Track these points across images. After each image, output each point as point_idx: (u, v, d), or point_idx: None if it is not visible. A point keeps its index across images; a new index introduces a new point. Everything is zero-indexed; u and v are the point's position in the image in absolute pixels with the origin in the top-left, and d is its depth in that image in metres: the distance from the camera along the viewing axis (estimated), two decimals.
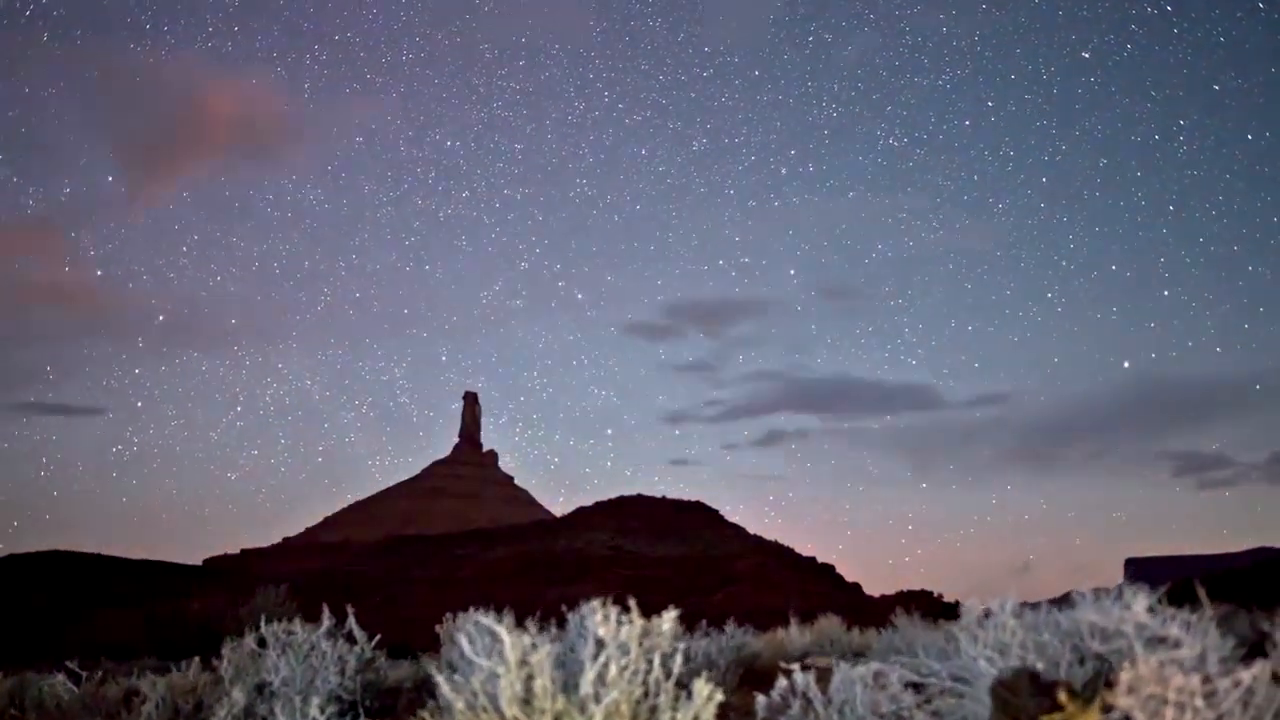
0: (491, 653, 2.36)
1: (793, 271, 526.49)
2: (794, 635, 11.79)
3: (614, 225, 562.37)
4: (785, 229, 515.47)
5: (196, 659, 6.26)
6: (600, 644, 2.43)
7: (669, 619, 2.62)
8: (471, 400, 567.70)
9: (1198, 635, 2.18)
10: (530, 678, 2.34)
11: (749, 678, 8.06)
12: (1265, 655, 2.22)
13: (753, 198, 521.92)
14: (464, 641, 2.38)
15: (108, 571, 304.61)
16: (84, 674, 7.14)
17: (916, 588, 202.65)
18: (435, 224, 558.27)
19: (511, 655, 2.32)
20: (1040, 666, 2.37)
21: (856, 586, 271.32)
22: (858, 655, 13.01)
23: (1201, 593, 2.51)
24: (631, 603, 2.72)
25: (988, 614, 2.88)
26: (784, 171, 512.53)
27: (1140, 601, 2.33)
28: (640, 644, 2.45)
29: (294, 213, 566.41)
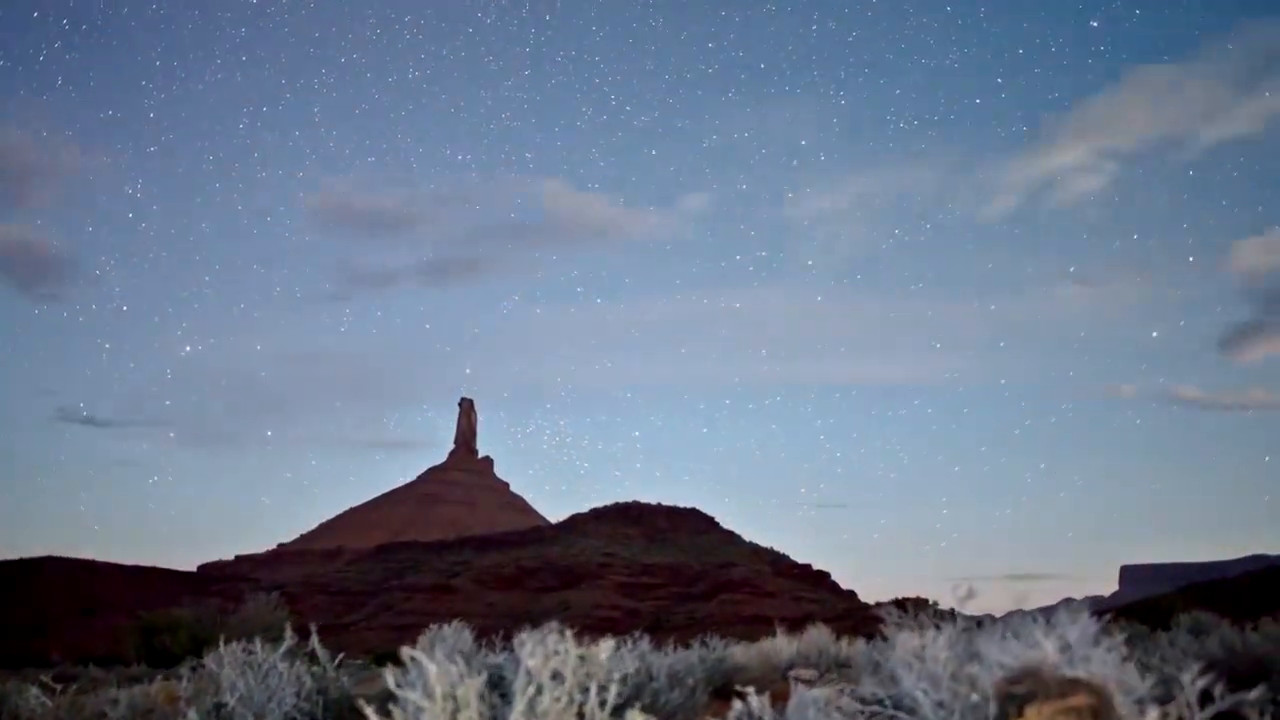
0: (418, 683, 2.33)
1: (810, 262, 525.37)
2: (780, 646, 11.75)
3: (630, 228, 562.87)
4: (802, 219, 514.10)
5: (159, 677, 6.24)
6: (530, 674, 2.38)
7: (605, 648, 2.58)
8: (468, 407, 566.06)
9: (1112, 673, 2.14)
10: (457, 710, 2.30)
11: (726, 694, 7.97)
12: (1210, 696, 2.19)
13: (766, 190, 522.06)
14: (388, 676, 2.34)
15: (102, 578, 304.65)
16: (59, 687, 7.09)
17: (913, 594, 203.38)
18: (453, 240, 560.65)
19: (437, 687, 2.28)
20: (975, 699, 2.34)
21: (852, 593, 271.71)
22: (842, 667, 13.00)
23: (1115, 635, 2.46)
24: (568, 632, 2.68)
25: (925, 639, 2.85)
26: (795, 163, 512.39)
27: (1054, 638, 2.29)
28: (575, 673, 2.41)
29: (312, 236, 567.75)
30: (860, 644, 14.93)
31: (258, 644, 4.95)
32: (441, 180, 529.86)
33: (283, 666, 4.81)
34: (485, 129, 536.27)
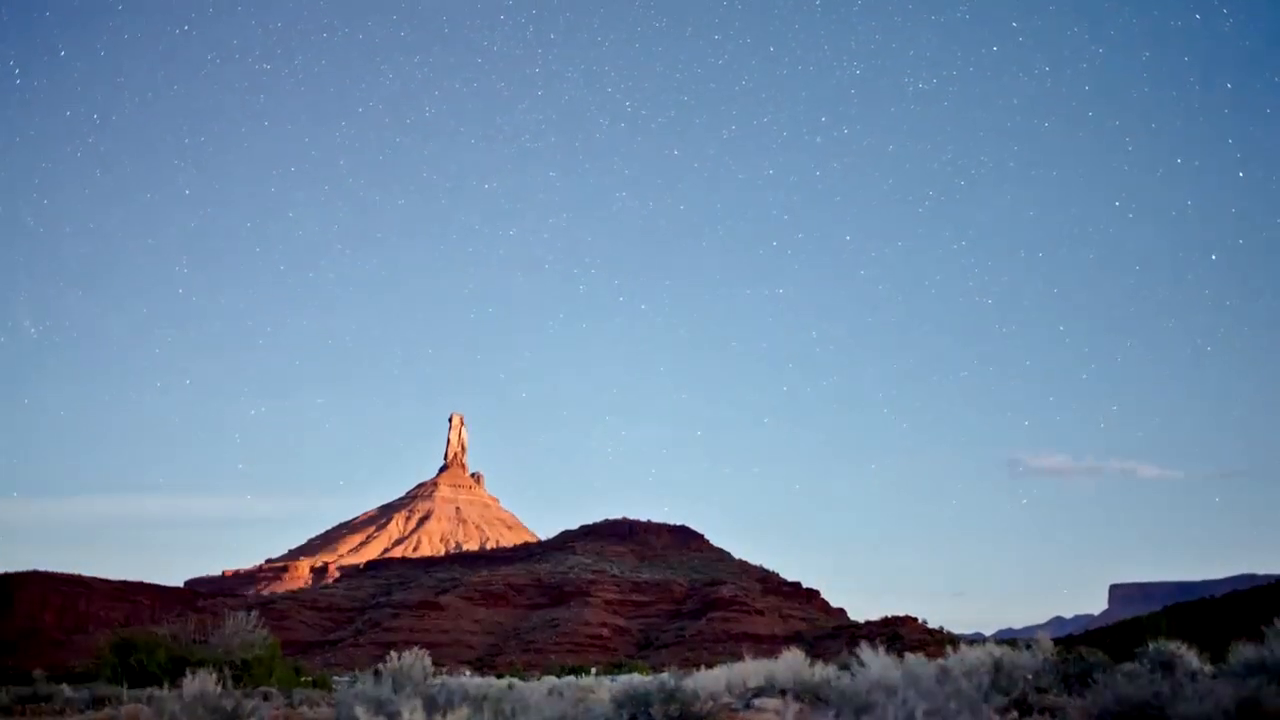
0: None
1: (848, 237, 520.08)
2: (749, 670, 11.68)
3: (661, 230, 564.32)
4: (832, 196, 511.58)
5: (80, 713, 6.19)
6: None
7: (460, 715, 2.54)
8: (458, 422, 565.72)
9: None
10: None
11: None
12: None
13: (793, 173, 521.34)
14: None
15: (90, 592, 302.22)
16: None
17: (902, 613, 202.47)
18: (490, 267, 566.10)
19: None
20: None
21: (842, 611, 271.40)
22: (817, 698, 12.93)
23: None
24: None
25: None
26: (819, 140, 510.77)
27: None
28: None
29: (354, 284, 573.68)
30: (833, 669, 14.89)
31: (164, 687, 4.91)
32: (472, 209, 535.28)
33: (177, 708, 4.77)
34: (507, 154, 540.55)
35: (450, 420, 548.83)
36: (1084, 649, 11.11)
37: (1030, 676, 6.11)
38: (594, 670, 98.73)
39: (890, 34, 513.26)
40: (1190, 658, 9.20)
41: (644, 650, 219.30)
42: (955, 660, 11.55)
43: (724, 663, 19.87)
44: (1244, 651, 8.95)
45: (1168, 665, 8.12)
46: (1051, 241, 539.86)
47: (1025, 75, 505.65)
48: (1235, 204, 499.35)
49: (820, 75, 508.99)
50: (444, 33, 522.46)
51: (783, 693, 11.42)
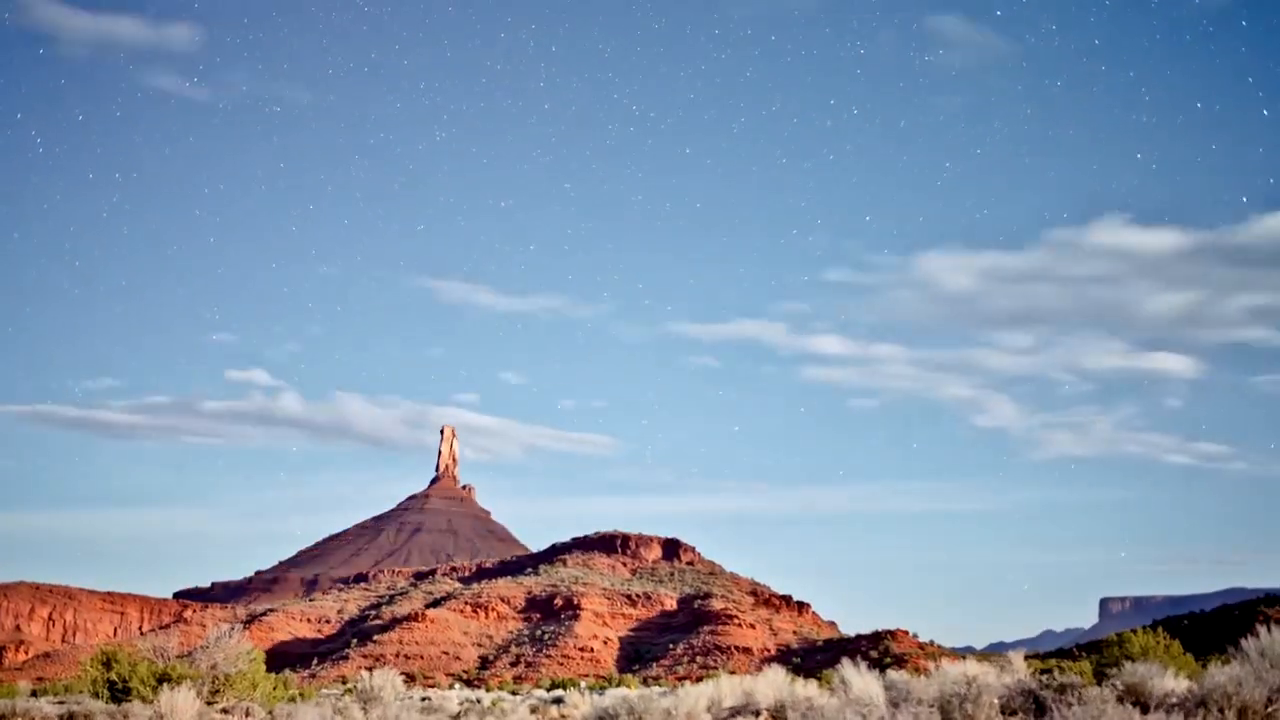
0: None
1: (868, 217, 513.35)
2: (726, 690, 11.69)
3: (679, 230, 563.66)
4: (848, 178, 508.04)
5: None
6: None
7: None
8: (450, 434, 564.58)
9: None
10: None
11: None
12: None
13: (806, 159, 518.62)
14: None
15: (78, 603, 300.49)
16: None
17: (894, 626, 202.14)
18: (510, 285, 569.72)
19: None
20: None
21: (833, 624, 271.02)
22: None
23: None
24: None
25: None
26: (830, 124, 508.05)
27: None
28: None
29: (378, 305, 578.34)
30: (814, 688, 14.84)
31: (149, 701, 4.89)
32: (492, 228, 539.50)
33: None
34: (519, 169, 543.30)
35: (442, 432, 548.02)
36: (1061, 668, 11.12)
37: (996, 700, 6.09)
38: (583, 685, 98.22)
39: (891, 9, 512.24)
40: (1164, 679, 9.19)
41: (634, 663, 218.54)
42: (933, 679, 11.55)
43: (714, 677, 19.86)
44: (1217, 676, 8.96)
45: (1136, 687, 8.13)
46: (1071, 209, 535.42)
47: (1033, 36, 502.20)
48: (1263, 143, 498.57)
49: (824, 58, 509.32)
50: (446, 56, 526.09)
51: (755, 714, 11.43)
